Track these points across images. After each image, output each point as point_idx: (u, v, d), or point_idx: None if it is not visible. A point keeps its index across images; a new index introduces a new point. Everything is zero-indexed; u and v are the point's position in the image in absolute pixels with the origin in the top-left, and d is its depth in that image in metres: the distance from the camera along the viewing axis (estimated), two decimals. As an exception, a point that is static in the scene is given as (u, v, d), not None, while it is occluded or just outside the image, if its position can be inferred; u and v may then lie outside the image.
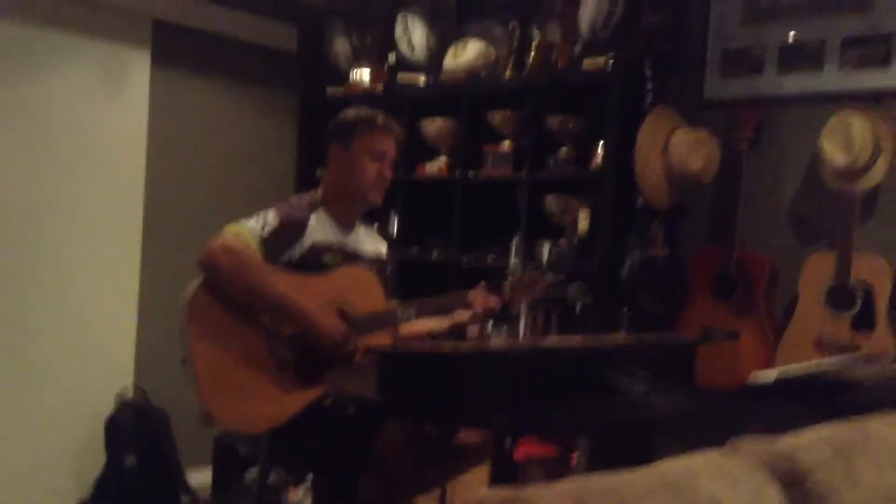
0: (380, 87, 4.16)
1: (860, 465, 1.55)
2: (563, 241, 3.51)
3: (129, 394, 3.68)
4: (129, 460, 3.44)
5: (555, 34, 3.60)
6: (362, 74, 4.24)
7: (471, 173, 3.79)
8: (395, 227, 4.10)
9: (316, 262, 2.33)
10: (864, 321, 2.97)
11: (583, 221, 3.40)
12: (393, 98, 4.10)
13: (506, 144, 3.72)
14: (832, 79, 3.18)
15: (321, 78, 4.41)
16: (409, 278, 3.93)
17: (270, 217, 2.26)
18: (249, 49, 4.31)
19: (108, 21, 3.81)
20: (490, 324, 3.66)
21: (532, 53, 3.64)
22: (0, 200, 3.52)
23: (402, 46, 4.09)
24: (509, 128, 3.71)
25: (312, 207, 2.40)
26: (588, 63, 3.41)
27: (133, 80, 3.92)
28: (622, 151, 3.28)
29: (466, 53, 3.82)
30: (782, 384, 2.18)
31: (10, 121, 3.56)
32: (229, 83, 4.27)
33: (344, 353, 2.19)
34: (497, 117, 3.70)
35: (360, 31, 4.33)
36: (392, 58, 4.16)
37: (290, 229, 2.28)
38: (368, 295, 2.36)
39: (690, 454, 1.44)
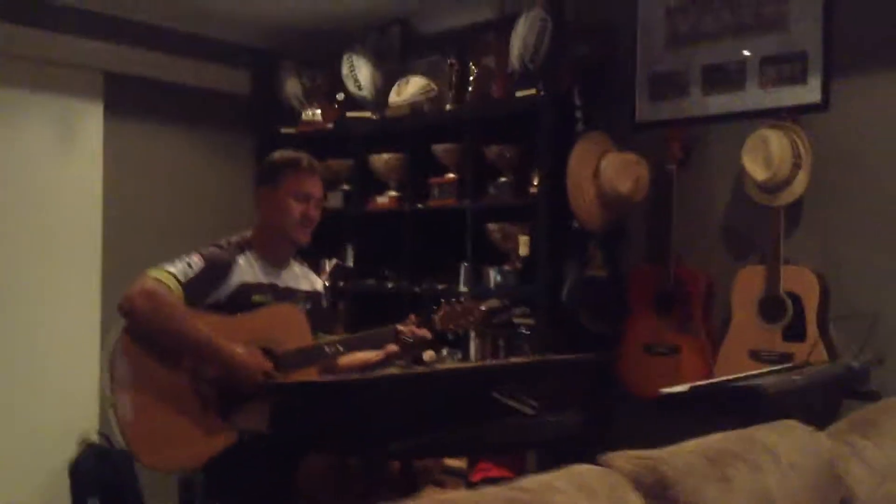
0: (330, 125, 4.27)
1: (734, 472, 1.63)
2: (507, 267, 3.61)
3: (93, 437, 3.75)
4: (93, 503, 3.51)
5: (490, 68, 3.71)
6: (314, 113, 4.36)
7: (419, 205, 3.89)
8: (351, 260, 4.21)
9: (245, 301, 2.41)
10: (796, 331, 3.05)
11: (523, 246, 3.49)
12: (343, 135, 4.22)
13: (450, 176, 3.82)
14: (754, 97, 3.28)
15: (275, 119, 4.52)
16: (366, 308, 4.04)
17: (194, 260, 2.35)
18: (202, 95, 4.43)
19: (60, 75, 3.93)
20: (444, 351, 3.76)
21: (470, 87, 3.75)
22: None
23: (350, 85, 4.20)
24: (453, 159, 3.81)
25: (241, 248, 2.48)
26: (520, 94, 3.51)
27: (86, 132, 4.04)
28: (555, 177, 3.37)
29: (409, 89, 3.94)
30: (697, 395, 2.25)
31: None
32: (184, 129, 4.39)
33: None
34: (440, 150, 3.81)
35: (311, 72, 4.45)
36: (341, 96, 4.27)
37: (215, 271, 2.37)
38: (295, 332, 2.44)
39: (562, 469, 1.52)
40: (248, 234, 2.55)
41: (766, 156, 3.05)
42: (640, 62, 3.58)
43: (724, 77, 3.36)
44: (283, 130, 4.46)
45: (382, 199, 4.05)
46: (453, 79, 3.83)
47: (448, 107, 3.82)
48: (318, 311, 2.64)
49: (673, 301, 3.36)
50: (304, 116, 4.39)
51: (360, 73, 4.15)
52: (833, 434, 2.16)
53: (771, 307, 3.08)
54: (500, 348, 3.58)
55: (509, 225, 3.55)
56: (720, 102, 3.37)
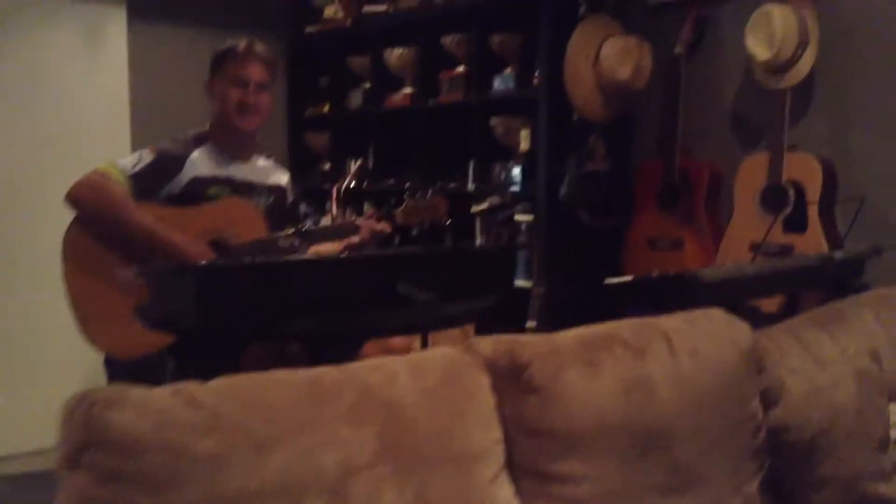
0: (349, 20, 4.21)
1: (606, 357, 1.57)
2: (511, 162, 3.52)
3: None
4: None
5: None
6: (335, 10, 4.30)
7: (430, 102, 3.82)
8: (370, 160, 4.20)
9: (199, 195, 2.44)
10: (798, 222, 2.87)
11: (524, 141, 3.39)
12: (361, 31, 4.16)
13: (459, 69, 3.72)
14: (767, -30, 3.01)
15: (301, 18, 4.49)
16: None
17: (145, 154, 2.39)
18: (227, -3, 4.43)
19: (82, -19, 4.01)
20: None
21: (480, -28, 3.60)
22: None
23: (366, -23, 4.11)
24: (462, 51, 3.70)
25: (197, 142, 2.49)
26: (522, -23, 3.35)
27: (111, 36, 4.12)
28: (556, 66, 3.23)
29: (420, -20, 3.82)
30: (640, 286, 2.17)
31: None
32: (210, 31, 4.39)
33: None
34: (449, 41, 3.70)
35: (333, -32, 4.37)
36: (358, -10, 4.20)
37: (167, 164, 2.39)
38: (249, 226, 2.45)
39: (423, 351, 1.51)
40: (206, 127, 2.56)
41: (769, 33, 2.82)
42: (653, -62, 3.34)
43: (737, -51, 3.09)
44: (308, 29, 4.44)
45: (397, 97, 3.99)
46: (463, -36, 3.68)
47: (456, -5, 3.69)
48: (282, 206, 2.64)
49: (678, 194, 3.21)
50: (325, 13, 4.33)
51: (374, -35, 4.04)
52: (784, 326, 2.05)
53: (772, 197, 2.90)
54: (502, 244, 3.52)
55: (511, 119, 3.44)
56: (731, -22, 3.11)
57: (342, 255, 2.30)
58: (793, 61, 2.82)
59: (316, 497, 1.16)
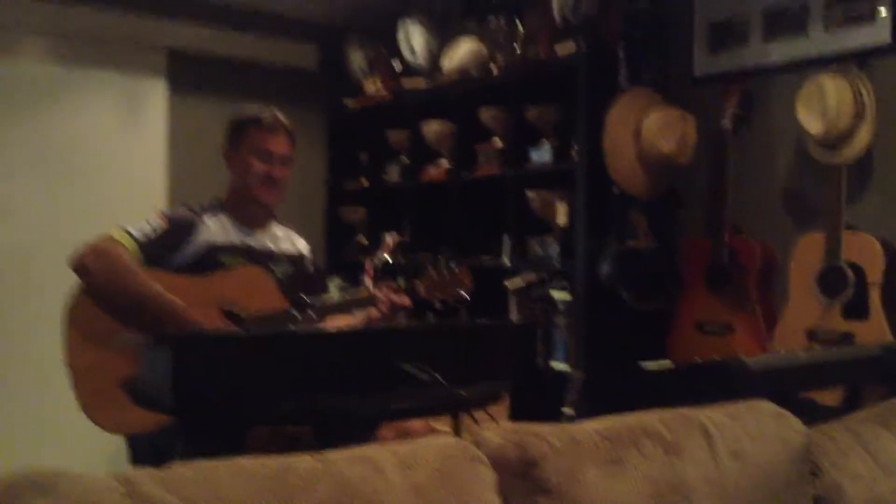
0: (387, 94, 4.16)
1: (632, 455, 1.37)
2: (548, 238, 3.36)
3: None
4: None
5: (535, 25, 3.46)
6: (375, 85, 4.26)
7: (466, 176, 3.71)
8: (406, 233, 4.08)
9: (213, 262, 2.32)
10: (859, 308, 2.63)
11: (561, 215, 3.23)
12: (399, 105, 4.10)
13: (495, 141, 3.61)
14: (817, 41, 2.86)
15: (342, 92, 4.46)
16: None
17: (155, 220, 2.29)
18: (269, 70, 4.43)
19: (125, 53, 4.04)
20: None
21: (517, 47, 3.52)
22: (26, 233, 3.77)
23: (405, 52, 4.07)
24: (498, 124, 3.59)
25: (211, 210, 2.40)
26: (560, 48, 3.25)
27: (151, 110, 4.12)
28: (595, 139, 3.09)
29: (458, 53, 3.75)
30: (680, 373, 1.97)
31: (35, 155, 3.83)
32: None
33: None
34: (486, 114, 3.60)
35: (374, 43, 4.35)
36: (397, 65, 4.15)
37: (177, 230, 2.29)
38: (265, 296, 2.32)
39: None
40: (223, 196, 2.46)
41: (822, 106, 2.64)
42: (699, 9, 3.21)
43: (786, 20, 2.95)
44: (348, 104, 4.40)
45: (433, 170, 3.89)
46: (500, 40, 3.60)
47: (494, 70, 3.60)
48: (302, 275, 2.51)
49: (727, 275, 2.99)
50: (366, 88, 4.29)
51: (413, 39, 4.00)
52: (842, 423, 1.82)
53: (830, 280, 2.68)
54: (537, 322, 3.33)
55: (548, 192, 3.29)
56: (781, 49, 2.96)
57: (334, 329, 2.14)
58: (848, 136, 2.63)
59: None
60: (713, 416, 1.54)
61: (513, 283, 3.28)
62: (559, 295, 3.21)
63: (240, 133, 2.41)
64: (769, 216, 3.02)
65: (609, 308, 3.14)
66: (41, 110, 3.86)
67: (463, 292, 2.46)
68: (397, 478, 1.16)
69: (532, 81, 3.42)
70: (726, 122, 2.97)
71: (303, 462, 1.15)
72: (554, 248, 3.31)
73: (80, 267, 2.17)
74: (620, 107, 3.06)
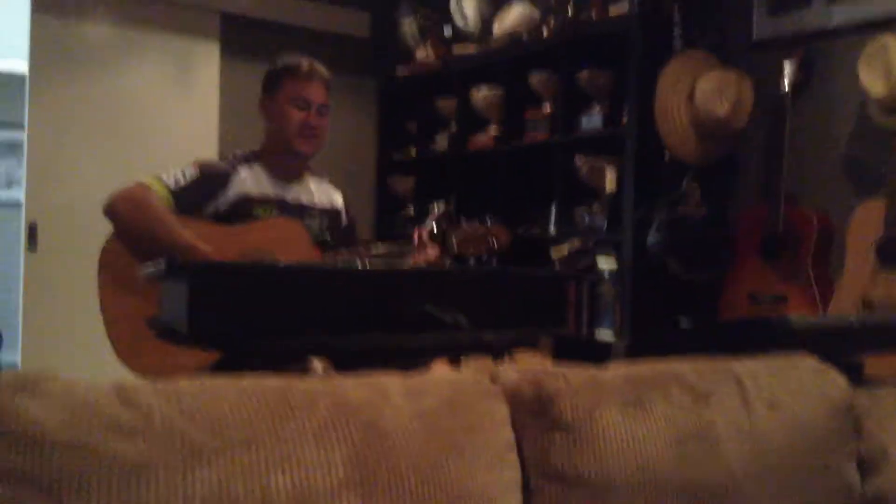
0: (437, 61, 4.11)
1: (657, 398, 1.30)
2: (595, 205, 3.27)
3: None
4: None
5: (589, -14, 3.37)
6: (426, 52, 4.21)
7: (514, 144, 3.64)
8: (454, 203, 4.03)
9: (246, 213, 2.30)
10: (921, 279, 2.50)
11: (609, 182, 3.14)
12: (449, 71, 4.04)
13: (545, 107, 3.53)
14: (883, 1, 2.71)
15: (393, 60, 4.43)
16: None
17: (189, 170, 2.27)
18: (321, 37, 4.40)
19: (178, 16, 4.06)
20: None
21: (569, 9, 3.43)
22: (83, 190, 3.83)
23: (457, 18, 4.01)
24: (548, 90, 3.51)
25: (246, 161, 2.37)
26: (612, 10, 3.16)
27: (203, 72, 4.14)
28: (646, 103, 2.99)
29: (510, 17, 3.68)
30: (719, 330, 1.89)
31: (92, 114, 3.89)
32: (301, 71, 4.39)
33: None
34: (536, 80, 3.52)
35: (426, 9, 4.30)
36: (448, 31, 4.09)
37: (211, 180, 2.27)
38: (295, 247, 2.29)
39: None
40: (259, 147, 2.44)
41: (885, 67, 2.51)
42: (759, -30, 3.08)
43: (852, -21, 2.81)
44: (399, 72, 4.36)
45: (481, 138, 3.82)
46: (553, 2, 3.52)
47: (545, 33, 3.52)
48: (336, 228, 2.48)
49: (782, 245, 2.87)
50: (417, 55, 4.25)
51: (466, 4, 3.94)
52: (893, 386, 1.71)
53: (890, 249, 2.54)
54: (583, 293, 3.25)
55: (596, 158, 3.20)
56: (844, 11, 2.82)
57: (354, 266, 2.09)
58: (914, 97, 2.49)
59: (258, 525, 0.94)
60: (749, 366, 1.46)
61: (557, 251, 3.21)
62: (605, 263, 3.13)
63: (277, 82, 2.37)
64: (828, 184, 2.89)
65: (656, 277, 3.04)
66: (100, 70, 3.91)
67: (496, 245, 2.40)
68: (403, 403, 1.12)
69: (583, 45, 3.33)
70: (785, 87, 2.85)
71: (306, 383, 1.11)
72: (601, 217, 3.23)
73: (111, 211, 2.17)
74: (673, 70, 2.96)
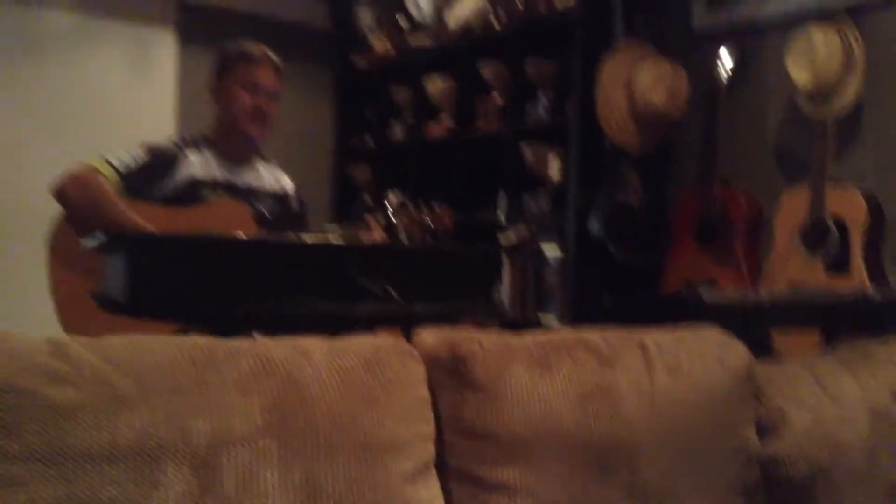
0: (393, 51, 4.19)
1: (565, 361, 1.40)
2: (540, 193, 3.38)
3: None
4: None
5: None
6: (382, 42, 4.29)
7: (466, 133, 3.74)
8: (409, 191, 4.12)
9: (194, 196, 2.36)
10: (841, 263, 2.63)
11: (553, 170, 3.25)
12: (404, 61, 4.13)
13: (496, 97, 3.63)
14: (815, -5, 2.85)
15: (350, 50, 4.50)
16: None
17: (137, 151, 2.33)
18: (279, 26, 4.45)
19: (135, 3, 4.10)
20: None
21: (518, 2, 3.53)
22: (35, 178, 3.85)
23: (412, 9, 4.09)
24: (498, 79, 3.61)
25: (195, 144, 2.44)
26: (559, 1, 3.26)
27: (160, 60, 4.18)
28: (588, 93, 3.10)
29: (462, 8, 3.77)
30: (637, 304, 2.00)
31: (46, 101, 3.91)
32: (259, 59, 4.44)
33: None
34: (486, 70, 3.62)
35: (383, 0, 4.38)
36: (403, 22, 4.17)
37: (160, 162, 2.33)
38: (238, 227, 2.35)
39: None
40: (208, 131, 2.50)
41: (811, 57, 2.64)
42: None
43: (783, -26, 2.94)
44: (356, 61, 4.43)
45: (436, 128, 3.92)
46: (503, -7, 3.62)
47: (496, 25, 3.61)
48: (286, 213, 2.55)
49: (715, 230, 3.00)
50: (373, 45, 4.33)
51: (420, -5, 4.03)
52: (802, 360, 1.84)
53: (814, 235, 2.68)
54: (528, 279, 3.36)
55: (542, 147, 3.31)
56: (778, 3, 2.95)
57: (291, 239, 2.18)
58: (836, 88, 2.63)
59: (178, 465, 1.02)
60: (655, 335, 1.56)
61: (505, 239, 3.31)
62: (550, 250, 3.23)
63: (227, 66, 2.44)
64: (760, 171, 3.02)
65: (599, 263, 3.16)
66: (55, 57, 3.94)
67: (434, 226, 2.49)
68: (323, 360, 1.21)
69: (531, 35, 3.43)
70: (721, 77, 2.97)
71: (234, 342, 1.19)
72: (546, 203, 3.34)
73: (60, 194, 2.22)
74: (614, 60, 3.07)
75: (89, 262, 2.22)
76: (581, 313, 3.05)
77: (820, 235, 2.66)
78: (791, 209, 2.75)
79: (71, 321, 2.20)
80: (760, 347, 1.81)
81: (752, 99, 3.02)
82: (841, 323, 2.16)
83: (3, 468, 0.96)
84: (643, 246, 3.15)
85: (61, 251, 2.24)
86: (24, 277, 3.79)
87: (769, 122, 2.99)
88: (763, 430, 1.61)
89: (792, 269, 2.73)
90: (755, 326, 1.92)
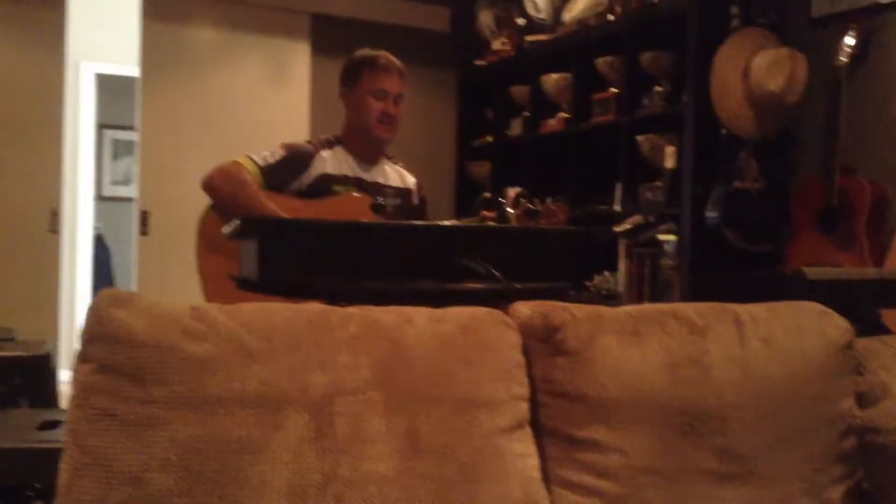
0: (512, 51, 4.30)
1: (654, 330, 1.48)
2: (657, 182, 3.41)
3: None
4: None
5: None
6: (502, 42, 4.41)
7: (581, 125, 3.81)
8: (527, 186, 4.22)
9: (326, 190, 2.56)
10: (970, 245, 2.55)
11: (669, 158, 3.27)
12: (522, 59, 4.24)
13: (611, 90, 3.68)
14: (937, -28, 2.76)
15: (472, 52, 4.65)
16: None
17: (276, 150, 2.55)
18: (404, 33, 4.66)
19: (271, 18, 4.40)
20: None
21: (634, -6, 3.58)
22: (189, 182, 4.20)
23: (529, 9, 4.20)
24: (614, 72, 3.67)
25: (329, 144, 2.64)
26: (672, -7, 3.29)
27: (295, 70, 4.47)
28: (703, 80, 3.12)
29: (578, 5, 3.85)
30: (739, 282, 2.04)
31: (196, 113, 4.27)
32: (386, 65, 4.66)
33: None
34: (602, 63, 3.68)
35: (503, 2, 4.50)
36: (522, 21, 4.28)
37: (296, 160, 2.54)
38: (359, 216, 2.53)
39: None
40: (340, 132, 2.70)
41: (933, 35, 2.57)
42: (817, -51, 3.16)
43: (906, -47, 2.86)
44: (476, 62, 4.58)
45: (552, 122, 4.00)
46: (619, -12, 3.67)
47: (610, 18, 3.67)
48: (408, 207, 2.71)
49: (837, 216, 2.96)
50: (493, 46, 4.46)
51: (537, -5, 4.13)
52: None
53: (939, 217, 2.61)
54: (645, 266, 3.40)
55: (657, 136, 3.34)
56: (899, -17, 2.88)
57: (397, 222, 2.32)
58: (962, 64, 2.55)
59: (297, 411, 1.18)
60: (750, 308, 1.61)
61: (620, 227, 3.36)
62: (665, 237, 3.26)
63: (356, 74, 2.62)
64: (883, 156, 2.95)
65: (716, 250, 3.16)
66: (203, 72, 4.30)
67: (554, 222, 2.58)
68: (425, 326, 1.34)
69: (646, 28, 3.47)
70: (840, 60, 2.93)
71: (345, 309, 1.35)
72: (661, 192, 3.36)
73: (208, 184, 2.47)
74: (729, 48, 3.07)
75: (231, 248, 2.46)
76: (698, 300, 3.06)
77: (947, 217, 2.59)
78: (917, 192, 2.68)
79: (213, 296, 2.44)
80: (867, 325, 1.82)
81: (875, 83, 2.95)
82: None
83: (150, 410, 1.14)
84: (762, 233, 3.13)
85: (208, 237, 2.48)
86: (182, 269, 4.17)
87: (892, 107, 2.92)
88: (864, 402, 1.62)
89: (918, 253, 2.66)
90: (862, 304, 1.92)
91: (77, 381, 1.18)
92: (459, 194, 4.75)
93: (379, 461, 1.21)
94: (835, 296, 1.85)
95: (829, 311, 1.67)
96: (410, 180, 2.79)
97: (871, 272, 2.00)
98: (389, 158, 2.78)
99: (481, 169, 4.59)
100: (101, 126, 6.38)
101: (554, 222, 2.64)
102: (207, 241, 2.48)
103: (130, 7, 4.31)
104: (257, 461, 1.14)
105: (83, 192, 5.71)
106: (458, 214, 4.68)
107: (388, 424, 1.23)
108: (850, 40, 2.91)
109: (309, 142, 2.67)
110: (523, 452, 1.35)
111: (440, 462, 1.24)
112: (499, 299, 1.89)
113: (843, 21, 3.01)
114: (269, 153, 2.55)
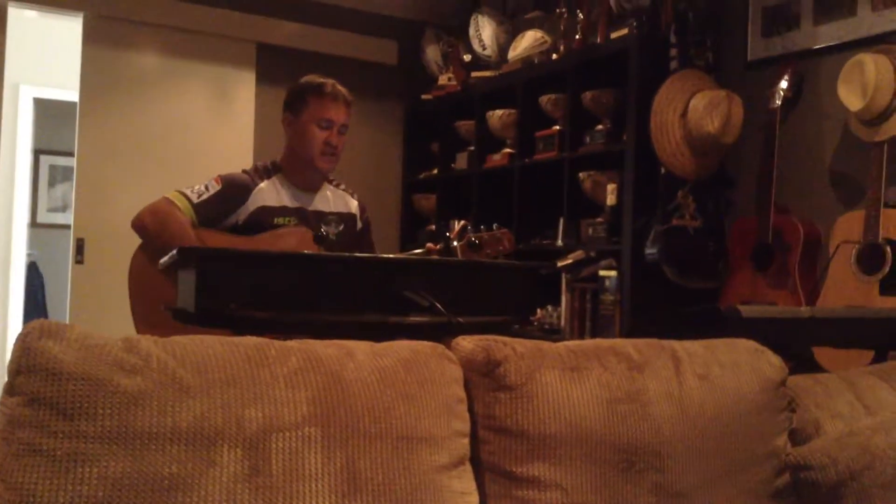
0: (458, 86, 4.35)
1: (593, 366, 1.49)
2: (598, 218, 3.46)
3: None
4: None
5: (595, 13, 3.59)
6: (448, 77, 4.46)
7: (526, 160, 3.85)
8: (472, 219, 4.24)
9: (266, 224, 2.51)
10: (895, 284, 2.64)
11: (610, 195, 3.33)
12: (469, 96, 4.28)
13: (554, 128, 3.74)
14: (866, 22, 2.88)
15: (419, 86, 4.68)
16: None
17: (212, 183, 2.48)
18: (351, 65, 4.68)
19: (217, 47, 4.38)
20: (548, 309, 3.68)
21: (577, 35, 3.65)
22: (125, 212, 4.13)
23: (475, 45, 4.25)
24: (557, 110, 3.72)
25: (267, 173, 2.58)
26: (615, 33, 3.36)
27: (240, 99, 4.44)
28: (643, 119, 3.18)
29: (523, 43, 3.91)
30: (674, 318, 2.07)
31: (137, 139, 4.21)
32: (331, 96, 4.66)
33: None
34: (545, 101, 3.74)
35: (449, 38, 4.55)
36: (468, 57, 4.33)
37: (233, 192, 2.47)
38: (300, 248, 2.49)
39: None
40: (278, 159, 2.65)
41: (862, 83, 2.67)
42: (753, -6, 3.27)
43: (836, 3, 2.98)
44: (423, 96, 4.61)
45: (497, 157, 4.04)
46: (562, 28, 3.74)
47: (554, 56, 3.74)
48: (352, 232, 2.68)
49: (772, 254, 3.03)
50: (440, 81, 4.50)
51: (484, 32, 4.18)
52: (842, 373, 1.87)
53: (869, 257, 2.69)
54: (587, 301, 3.44)
55: (599, 174, 3.40)
56: (830, 32, 2.99)
57: (342, 254, 2.31)
58: (888, 112, 2.65)
59: (231, 447, 1.16)
60: (687, 345, 1.64)
61: (562, 261, 3.39)
62: (607, 273, 3.31)
63: (301, 100, 2.56)
64: (816, 195, 3.05)
65: (655, 286, 3.21)
66: (145, 98, 4.24)
67: (500, 249, 2.59)
68: (366, 360, 1.32)
69: (589, 67, 3.54)
70: (776, 103, 3.02)
71: (285, 342, 1.33)
72: (602, 228, 3.41)
73: (138, 225, 2.40)
74: (668, 89, 3.15)
75: (162, 288, 2.41)
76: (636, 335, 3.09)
77: (875, 258, 2.67)
78: (846, 232, 2.77)
79: (146, 332, 2.38)
80: (800, 362, 1.86)
81: (807, 125, 3.05)
82: (884, 341, 2.18)
83: (80, 446, 1.10)
84: (699, 269, 3.19)
85: (139, 279, 2.42)
86: (116, 299, 4.08)
87: (824, 148, 3.02)
88: (797, 440, 1.66)
89: (848, 292, 2.73)
90: (794, 341, 1.96)
91: (3, 415, 1.13)
92: (405, 226, 4.75)
93: (315, 499, 1.18)
94: (769, 333, 1.89)
95: (764, 348, 1.71)
96: (353, 203, 2.73)
97: (803, 310, 2.05)
98: (331, 182, 2.74)
99: (427, 202, 4.60)
100: (38, 151, 6.24)
101: (500, 250, 2.66)
102: (140, 287, 2.42)
103: (72, 31, 4.25)
104: (189, 499, 1.11)
105: (18, 218, 5.56)
106: (404, 247, 4.68)
107: (325, 461, 1.21)
108: (784, 84, 3.00)
109: (245, 171, 2.60)
110: (463, 490, 1.34)
111: (378, 500, 1.23)
112: (443, 332, 1.89)
113: (777, 64, 3.12)
114: (202, 187, 2.48)
